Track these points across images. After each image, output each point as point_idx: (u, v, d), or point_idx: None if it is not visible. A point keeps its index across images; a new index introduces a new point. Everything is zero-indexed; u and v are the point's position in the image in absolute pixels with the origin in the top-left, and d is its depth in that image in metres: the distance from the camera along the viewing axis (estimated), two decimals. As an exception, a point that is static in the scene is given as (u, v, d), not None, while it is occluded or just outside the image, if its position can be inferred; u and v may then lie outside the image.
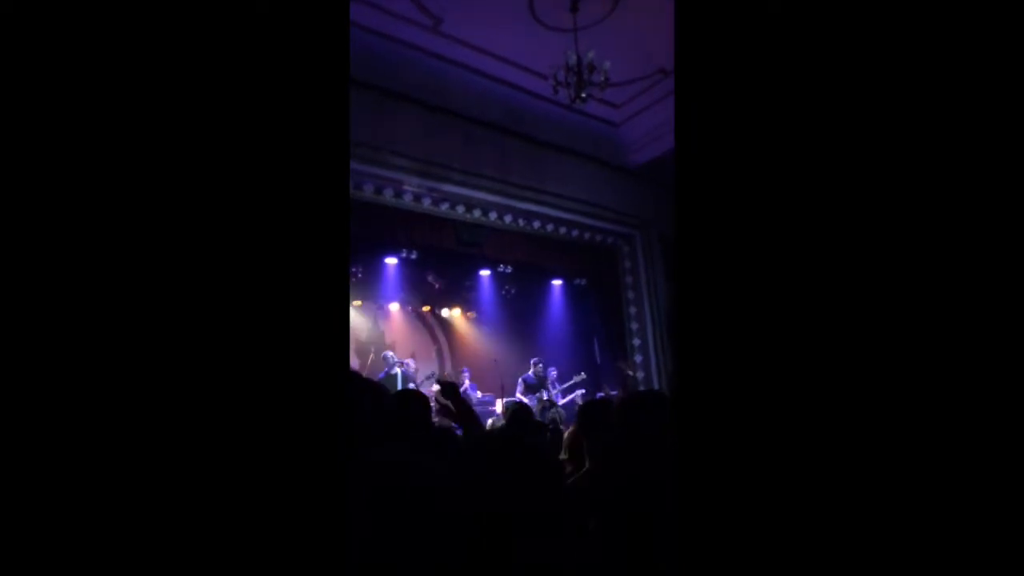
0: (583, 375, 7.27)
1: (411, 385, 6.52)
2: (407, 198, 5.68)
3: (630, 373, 6.96)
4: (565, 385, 7.26)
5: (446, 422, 2.43)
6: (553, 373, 7.34)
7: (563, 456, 2.22)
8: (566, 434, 2.31)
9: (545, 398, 6.84)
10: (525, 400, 6.98)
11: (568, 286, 8.30)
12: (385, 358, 6.87)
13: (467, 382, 7.20)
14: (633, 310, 7.32)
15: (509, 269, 7.56)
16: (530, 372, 7.27)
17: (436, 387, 6.74)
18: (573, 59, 4.63)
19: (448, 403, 2.02)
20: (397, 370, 6.65)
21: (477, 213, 6.17)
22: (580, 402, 6.25)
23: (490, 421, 5.64)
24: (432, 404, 2.04)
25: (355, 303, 7.87)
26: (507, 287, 8.55)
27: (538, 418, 5.72)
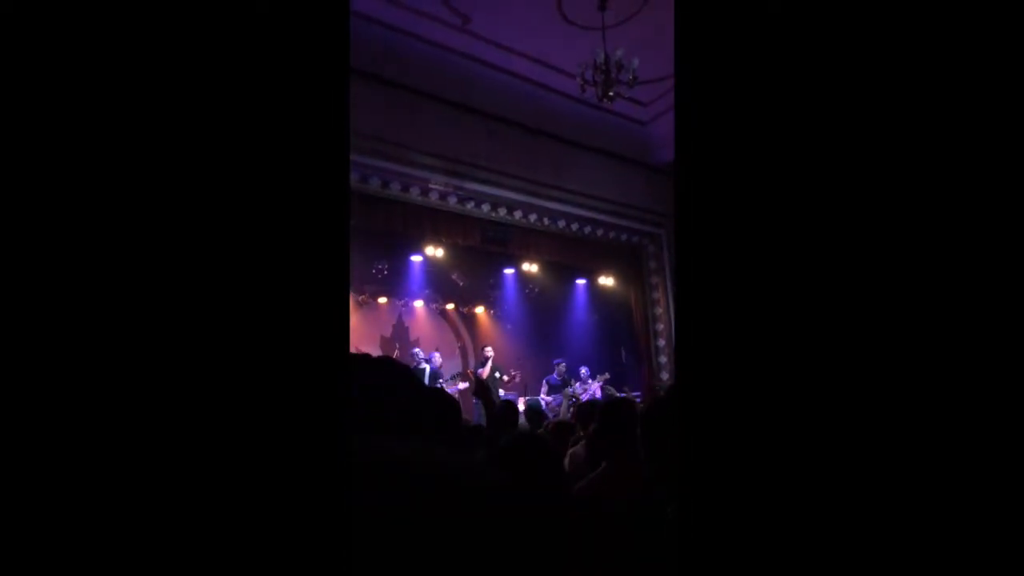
0: (607, 375, 7.23)
1: (439, 383, 6.56)
2: (433, 196, 5.72)
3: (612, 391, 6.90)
4: (600, 382, 7.13)
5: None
6: (584, 370, 7.29)
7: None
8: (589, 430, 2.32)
9: (570, 393, 6.82)
10: (548, 399, 6.98)
11: (593, 285, 8.26)
12: (413, 355, 6.94)
13: (489, 363, 7.09)
14: (659, 310, 7.26)
15: (534, 268, 7.55)
16: (554, 374, 7.27)
17: (463, 384, 6.68)
18: (601, 57, 4.60)
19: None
20: (425, 365, 6.71)
21: (502, 212, 6.19)
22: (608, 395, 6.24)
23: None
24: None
25: (380, 300, 7.96)
26: (531, 286, 8.55)
27: (564, 415, 5.71)
